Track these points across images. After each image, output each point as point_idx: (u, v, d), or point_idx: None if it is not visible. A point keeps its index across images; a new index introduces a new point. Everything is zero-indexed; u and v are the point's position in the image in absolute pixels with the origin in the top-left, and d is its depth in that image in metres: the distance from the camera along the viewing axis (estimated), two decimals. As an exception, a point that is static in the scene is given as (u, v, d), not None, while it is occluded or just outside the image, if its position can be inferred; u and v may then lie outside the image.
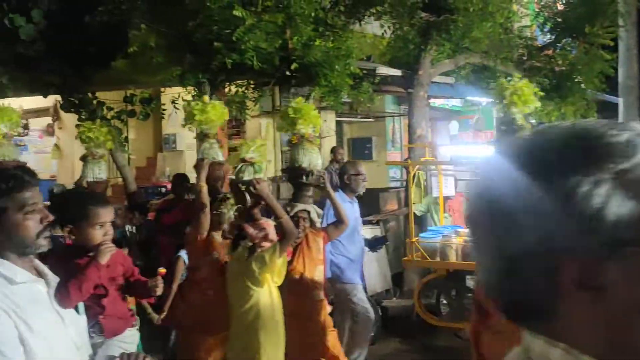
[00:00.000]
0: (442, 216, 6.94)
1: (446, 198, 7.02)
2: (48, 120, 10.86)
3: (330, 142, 12.41)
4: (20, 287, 1.92)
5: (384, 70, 7.58)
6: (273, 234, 3.71)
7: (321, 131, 10.67)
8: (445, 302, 6.51)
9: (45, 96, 7.60)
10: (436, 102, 12.14)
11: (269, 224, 3.77)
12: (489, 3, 7.12)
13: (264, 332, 3.59)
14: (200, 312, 3.91)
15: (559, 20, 9.58)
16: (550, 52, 9.68)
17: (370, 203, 7.94)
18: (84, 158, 4.92)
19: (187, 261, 5.52)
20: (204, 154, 4.21)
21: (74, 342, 2.04)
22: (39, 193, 1.98)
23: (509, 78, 3.65)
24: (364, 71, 7.19)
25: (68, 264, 2.70)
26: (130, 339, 3.01)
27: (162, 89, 7.93)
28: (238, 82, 6.59)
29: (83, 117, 7.45)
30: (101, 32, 7.02)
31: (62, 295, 2.11)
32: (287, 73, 5.91)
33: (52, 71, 7.03)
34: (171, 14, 6.06)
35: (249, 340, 3.58)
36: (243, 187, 3.89)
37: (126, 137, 7.97)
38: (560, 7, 9.78)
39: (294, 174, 4.25)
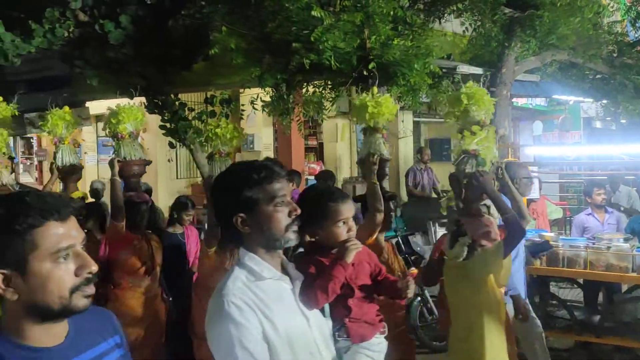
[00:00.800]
0: (525, 220, 6.68)
1: (529, 201, 6.76)
2: (133, 121, 11.30)
3: (407, 142, 12.28)
4: (267, 283, 1.88)
5: (465, 69, 7.39)
6: (495, 232, 3.47)
7: (398, 131, 10.58)
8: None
9: (131, 98, 7.90)
10: (518, 101, 11.75)
11: (491, 221, 3.52)
12: (577, -3, 6.80)
13: (488, 334, 3.36)
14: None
15: (654, 14, 9.06)
16: (643, 48, 9.16)
17: (449, 205, 7.77)
18: (210, 156, 4.92)
19: None
20: (374, 149, 3.99)
21: (317, 345, 1.97)
22: (288, 185, 1.95)
23: None
24: (444, 70, 7.03)
25: (312, 262, 2.59)
26: (377, 347, 2.75)
27: (241, 90, 8.07)
28: (315, 82, 6.60)
29: (166, 118, 7.70)
30: (184, 35, 7.24)
31: (308, 296, 2.04)
32: (365, 73, 5.86)
33: (138, 74, 7.30)
34: (250, 16, 6.16)
35: (472, 342, 3.37)
36: (464, 180, 3.62)
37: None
38: (655, 0, 9.23)
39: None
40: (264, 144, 11.48)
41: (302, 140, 10.42)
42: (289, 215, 1.88)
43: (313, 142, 12.58)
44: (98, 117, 10.49)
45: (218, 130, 4.73)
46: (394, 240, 6.64)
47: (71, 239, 1.42)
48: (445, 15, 7.39)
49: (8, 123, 4.87)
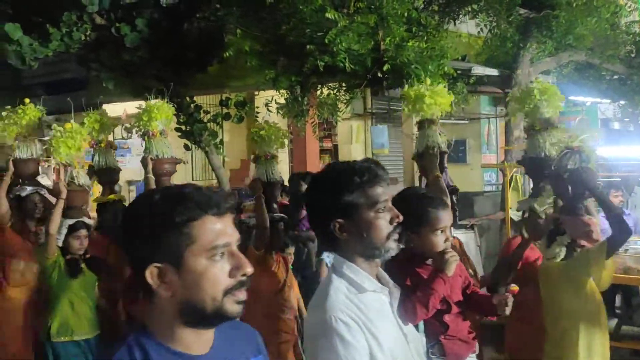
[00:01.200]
0: (541, 222, 6.62)
1: (545, 203, 6.70)
2: (149, 124, 11.37)
3: (423, 144, 12.22)
4: (368, 296, 1.72)
5: (480, 70, 7.34)
6: (597, 233, 3.29)
7: (414, 133, 10.54)
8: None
9: (147, 100, 7.97)
10: (535, 102, 11.65)
11: (593, 221, 3.34)
12: (594, -3, 6.73)
13: (582, 340, 3.19)
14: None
15: (673, 13, 8.94)
16: (662, 48, 9.04)
17: (464, 207, 7.73)
18: (256, 159, 4.89)
19: (329, 264, 5.03)
20: (432, 141, 3.86)
21: None
22: (389, 190, 1.79)
23: None
24: (459, 71, 7.00)
25: (408, 273, 2.41)
26: None
27: (256, 92, 8.09)
28: (329, 84, 6.60)
29: (181, 120, 7.74)
30: (199, 38, 7.28)
31: (407, 310, 1.93)
32: (379, 75, 5.85)
33: (154, 76, 7.35)
34: (265, 18, 6.17)
35: (565, 348, 3.22)
36: (565, 176, 3.43)
37: (221, 140, 8.19)
38: (674, -1, 9.12)
39: (535, 164, 3.68)
40: (278, 146, 11.47)
41: (317, 142, 10.41)
42: (391, 222, 1.74)
43: (328, 144, 12.55)
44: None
45: (263, 132, 4.69)
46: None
47: (228, 236, 1.33)
48: (460, 16, 7.35)
49: (34, 126, 4.89)
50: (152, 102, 4.61)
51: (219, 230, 1.32)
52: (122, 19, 6.96)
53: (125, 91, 7.66)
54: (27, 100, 4.91)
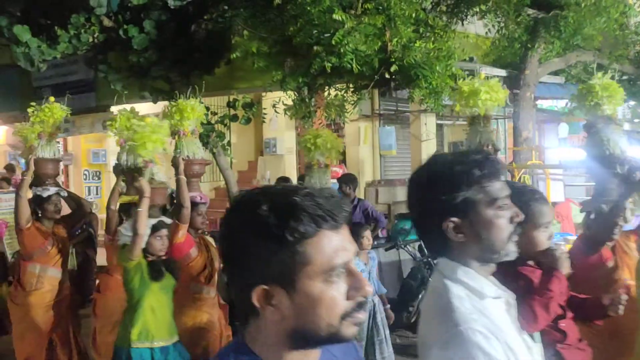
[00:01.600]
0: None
1: (554, 204, 6.66)
2: (157, 125, 11.40)
3: (430, 145, 12.22)
4: (488, 303, 1.53)
5: (488, 71, 7.30)
6: None
7: (421, 134, 10.52)
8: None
9: (155, 102, 7.98)
10: (543, 103, 11.61)
11: None
12: (603, -3, 6.70)
13: None
14: None
15: (683, 13, 8.87)
16: (671, 48, 8.97)
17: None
18: (309, 166, 4.71)
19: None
20: (485, 139, 3.73)
21: None
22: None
23: None
24: (466, 72, 6.98)
25: (511, 275, 2.11)
26: None
27: (263, 94, 8.10)
28: (337, 85, 6.59)
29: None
30: (206, 40, 7.30)
31: (526, 317, 1.76)
32: (387, 75, 5.84)
33: (162, 78, 7.37)
34: (272, 19, 6.18)
35: None
36: None
37: (229, 142, 8.20)
38: (684, -1, 9.04)
39: (599, 163, 3.54)
40: (286, 148, 11.49)
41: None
42: (511, 221, 1.55)
43: (335, 146, 12.58)
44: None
45: (319, 140, 4.54)
46: (416, 244, 6.59)
47: (346, 253, 1.14)
48: (468, 17, 7.33)
49: (60, 126, 4.85)
50: (184, 101, 4.45)
51: (336, 246, 1.13)
52: (130, 21, 6.99)
53: (134, 93, 7.69)
54: (52, 98, 4.85)
